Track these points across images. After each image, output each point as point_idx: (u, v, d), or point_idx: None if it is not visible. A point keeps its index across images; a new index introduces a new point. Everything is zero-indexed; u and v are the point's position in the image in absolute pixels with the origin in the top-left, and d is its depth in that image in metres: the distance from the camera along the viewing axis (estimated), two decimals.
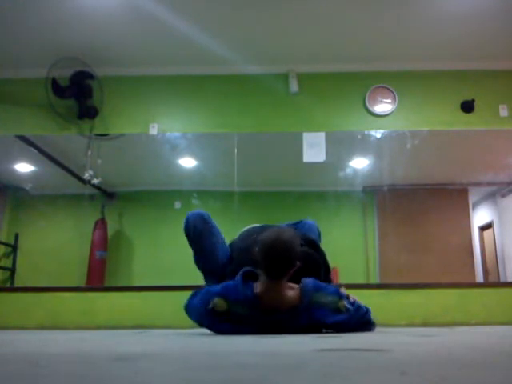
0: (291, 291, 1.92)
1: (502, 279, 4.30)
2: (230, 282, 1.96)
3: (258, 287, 1.90)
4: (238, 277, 1.94)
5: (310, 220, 2.53)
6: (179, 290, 3.42)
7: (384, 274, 4.18)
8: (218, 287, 1.99)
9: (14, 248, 4.34)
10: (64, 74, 3.82)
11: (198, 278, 2.35)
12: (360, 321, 2.02)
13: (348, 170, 4.31)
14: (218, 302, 1.89)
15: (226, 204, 4.17)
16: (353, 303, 2.00)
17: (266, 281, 1.87)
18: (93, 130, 3.96)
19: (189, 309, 2.06)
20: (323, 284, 1.98)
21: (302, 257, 1.94)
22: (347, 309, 1.93)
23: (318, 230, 2.51)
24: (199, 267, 2.29)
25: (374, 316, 2.15)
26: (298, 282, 1.96)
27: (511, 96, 3.92)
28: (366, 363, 0.85)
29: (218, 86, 4.04)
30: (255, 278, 1.93)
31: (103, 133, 4.01)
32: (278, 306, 1.89)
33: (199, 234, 2.23)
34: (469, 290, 3.53)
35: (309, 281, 1.93)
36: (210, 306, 1.89)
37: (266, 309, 1.88)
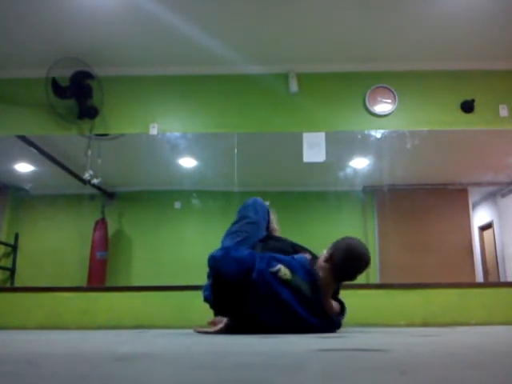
0: (334, 302, 2.08)
1: (502, 279, 4.30)
2: (291, 259, 2.01)
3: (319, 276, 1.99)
4: (305, 260, 2.00)
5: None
6: (179, 289, 3.44)
7: (384, 274, 4.18)
8: (280, 255, 2.01)
9: (14, 248, 4.34)
10: (64, 73, 3.82)
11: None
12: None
13: (348, 170, 4.30)
14: (284, 270, 1.90)
15: (225, 204, 4.17)
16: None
17: (328, 277, 1.97)
18: (93, 130, 3.96)
19: (228, 258, 1.91)
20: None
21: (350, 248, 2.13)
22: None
23: None
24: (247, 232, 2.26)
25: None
26: None
27: (511, 96, 3.92)
28: (366, 363, 0.85)
29: (218, 86, 4.04)
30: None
31: (103, 133, 4.01)
32: (326, 302, 2.00)
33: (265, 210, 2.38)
34: (469, 290, 3.53)
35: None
36: (275, 269, 1.89)
37: (324, 300, 1.98)
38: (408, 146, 3.97)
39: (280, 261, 1.94)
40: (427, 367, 0.78)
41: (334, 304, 2.07)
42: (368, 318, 3.29)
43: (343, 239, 2.08)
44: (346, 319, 2.16)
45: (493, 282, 4.38)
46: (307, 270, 1.95)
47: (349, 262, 1.97)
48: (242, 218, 2.32)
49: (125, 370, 0.76)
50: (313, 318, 1.92)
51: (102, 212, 4.34)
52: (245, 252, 1.97)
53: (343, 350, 1.13)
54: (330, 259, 1.99)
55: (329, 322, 2.00)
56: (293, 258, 2.04)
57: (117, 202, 4.56)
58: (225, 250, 1.98)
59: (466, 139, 4.02)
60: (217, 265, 1.91)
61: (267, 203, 2.46)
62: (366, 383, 0.62)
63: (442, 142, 4.07)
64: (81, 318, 3.43)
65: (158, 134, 3.98)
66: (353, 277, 2.02)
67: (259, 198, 2.44)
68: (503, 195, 4.55)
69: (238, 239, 2.22)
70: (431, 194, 4.49)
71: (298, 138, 3.89)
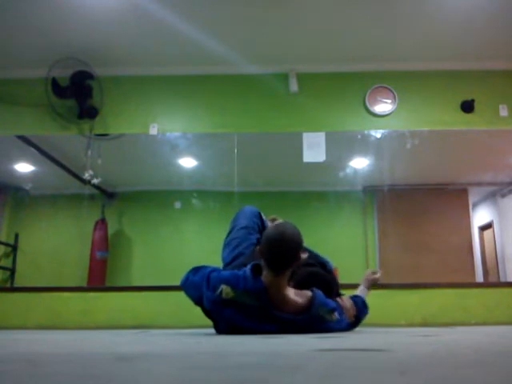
0: (299, 297, 1.95)
1: (502, 279, 4.30)
2: (239, 272, 1.98)
3: (263, 281, 1.92)
4: (248, 268, 1.95)
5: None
6: (179, 290, 3.43)
7: (384, 274, 4.17)
8: (226, 273, 2.01)
9: (14, 248, 4.35)
10: (64, 73, 3.82)
11: None
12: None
13: (348, 170, 4.31)
14: (225, 290, 1.91)
15: (225, 204, 4.17)
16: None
17: (268, 275, 1.89)
18: (93, 130, 3.96)
19: (187, 284, 2.09)
20: (326, 299, 2.03)
21: (312, 275, 2.11)
22: (336, 319, 2.03)
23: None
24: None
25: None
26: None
27: (511, 96, 3.92)
28: (366, 363, 0.85)
29: (218, 85, 4.04)
30: (261, 273, 1.95)
31: (103, 133, 4.01)
32: (280, 303, 1.90)
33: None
34: (469, 290, 3.53)
35: (319, 293, 1.98)
36: (218, 292, 1.91)
37: (273, 303, 1.90)
38: (408, 146, 3.97)
39: (222, 279, 1.95)
40: (427, 367, 0.78)
41: (303, 300, 1.94)
42: (368, 318, 3.28)
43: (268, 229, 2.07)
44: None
45: (493, 281, 4.38)
46: (249, 278, 1.91)
47: (271, 248, 1.87)
48: (233, 227, 2.43)
49: (125, 370, 0.76)
50: (267, 325, 1.88)
51: (102, 212, 4.35)
52: (196, 278, 2.06)
53: (343, 350, 1.13)
54: (261, 254, 1.92)
55: (296, 320, 1.89)
56: (240, 269, 2.01)
57: (117, 202, 4.56)
58: (186, 275, 2.12)
59: (465, 139, 4.02)
60: (184, 290, 2.12)
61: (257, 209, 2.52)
62: (365, 383, 0.62)
63: (442, 141, 4.07)
64: (81, 318, 3.43)
65: (158, 134, 3.98)
66: (279, 262, 1.87)
67: (248, 206, 2.54)
68: (503, 195, 4.56)
69: (232, 247, 2.32)
70: (431, 193, 4.49)
71: (298, 137, 3.89)
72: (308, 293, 1.96)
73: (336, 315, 2.01)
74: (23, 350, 1.30)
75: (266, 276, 1.90)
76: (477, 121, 3.88)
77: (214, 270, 2.08)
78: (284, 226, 1.96)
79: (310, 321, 1.92)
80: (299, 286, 2.02)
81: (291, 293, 1.94)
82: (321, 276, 2.18)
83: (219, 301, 1.92)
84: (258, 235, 2.37)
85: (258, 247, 1.95)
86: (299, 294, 1.96)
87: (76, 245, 4.30)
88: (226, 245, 2.37)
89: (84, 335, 2.29)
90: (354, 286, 3.47)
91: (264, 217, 2.52)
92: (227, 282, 1.93)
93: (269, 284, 1.89)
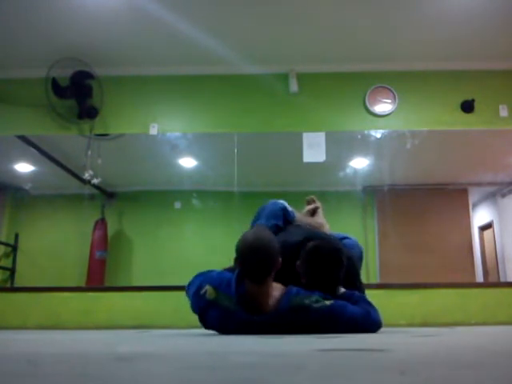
0: (275, 292, 1.89)
1: (502, 279, 4.30)
2: (228, 274, 1.96)
3: (246, 288, 1.89)
4: (235, 272, 1.93)
5: (352, 239, 2.47)
6: (179, 289, 3.42)
7: (384, 274, 4.18)
8: (213, 273, 2.02)
9: (14, 248, 4.35)
10: (64, 74, 3.82)
11: None
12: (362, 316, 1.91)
13: (348, 170, 4.31)
14: (208, 290, 1.93)
15: (226, 204, 4.17)
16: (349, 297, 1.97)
17: (249, 284, 1.86)
18: (93, 129, 3.95)
19: (188, 286, 2.09)
20: (306, 291, 1.91)
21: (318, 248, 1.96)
22: (334, 301, 1.88)
23: (359, 248, 2.46)
24: None
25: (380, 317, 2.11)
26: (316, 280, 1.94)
27: (511, 96, 3.91)
28: (366, 363, 0.85)
29: (218, 86, 4.04)
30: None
31: (103, 133, 4.01)
32: (262, 306, 1.87)
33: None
34: (469, 290, 3.53)
35: (292, 286, 1.91)
36: (202, 292, 1.93)
37: (251, 309, 1.86)
38: (408, 146, 3.97)
39: (207, 279, 1.97)
40: (427, 367, 0.78)
41: (277, 293, 1.89)
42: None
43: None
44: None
45: (493, 281, 4.38)
46: (232, 283, 1.89)
47: (245, 259, 1.83)
48: (253, 221, 2.35)
49: (125, 370, 0.76)
50: (247, 329, 1.87)
51: (102, 212, 4.34)
52: (196, 282, 2.04)
53: (343, 350, 1.13)
54: (236, 265, 1.93)
55: (277, 313, 1.84)
56: (226, 270, 2.01)
57: (117, 202, 4.56)
58: (189, 282, 2.11)
59: (466, 139, 4.02)
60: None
61: (283, 203, 2.39)
62: (365, 383, 0.62)
63: (442, 141, 4.07)
64: (80, 318, 3.43)
65: (157, 134, 3.98)
66: (255, 272, 1.82)
67: (271, 202, 2.38)
68: (503, 195, 4.56)
69: None
70: (431, 193, 4.49)
71: (298, 137, 3.88)
72: (282, 287, 1.91)
73: (332, 301, 1.87)
74: (23, 350, 1.30)
75: (247, 283, 1.86)
76: (477, 121, 3.88)
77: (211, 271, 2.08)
78: (256, 234, 1.87)
79: (284, 316, 1.82)
80: (305, 264, 1.95)
81: (274, 291, 1.88)
82: (328, 248, 1.98)
83: (204, 304, 1.92)
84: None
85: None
86: (277, 289, 1.89)
87: (76, 245, 4.30)
88: None
89: (84, 335, 2.29)
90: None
91: (291, 208, 2.40)
92: (211, 281, 1.95)
93: (250, 291, 1.85)
